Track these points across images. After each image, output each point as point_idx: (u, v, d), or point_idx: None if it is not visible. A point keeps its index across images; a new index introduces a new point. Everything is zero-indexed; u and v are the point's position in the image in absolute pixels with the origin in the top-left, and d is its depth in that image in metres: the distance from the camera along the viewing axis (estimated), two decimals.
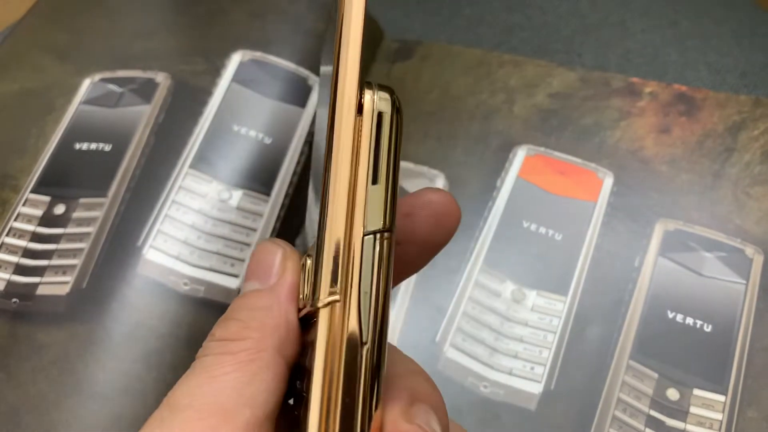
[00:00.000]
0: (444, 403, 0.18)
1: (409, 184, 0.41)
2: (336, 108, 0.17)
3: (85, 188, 0.39)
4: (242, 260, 0.38)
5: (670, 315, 0.36)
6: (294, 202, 0.40)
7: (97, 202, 0.39)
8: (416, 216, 0.19)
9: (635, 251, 0.38)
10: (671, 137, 0.42)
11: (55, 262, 0.37)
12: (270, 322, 0.18)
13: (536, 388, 0.35)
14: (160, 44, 0.44)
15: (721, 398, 0.34)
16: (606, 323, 0.36)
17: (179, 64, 0.43)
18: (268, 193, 0.40)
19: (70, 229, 0.38)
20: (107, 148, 0.40)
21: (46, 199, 0.39)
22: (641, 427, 0.34)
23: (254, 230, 0.39)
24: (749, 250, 0.38)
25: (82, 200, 0.39)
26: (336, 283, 0.16)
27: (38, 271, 0.37)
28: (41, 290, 0.36)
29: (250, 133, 0.41)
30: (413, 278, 0.38)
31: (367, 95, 0.17)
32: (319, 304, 0.16)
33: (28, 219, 0.38)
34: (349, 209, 0.17)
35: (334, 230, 0.16)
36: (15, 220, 0.38)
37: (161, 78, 0.42)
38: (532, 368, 0.36)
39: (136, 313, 0.36)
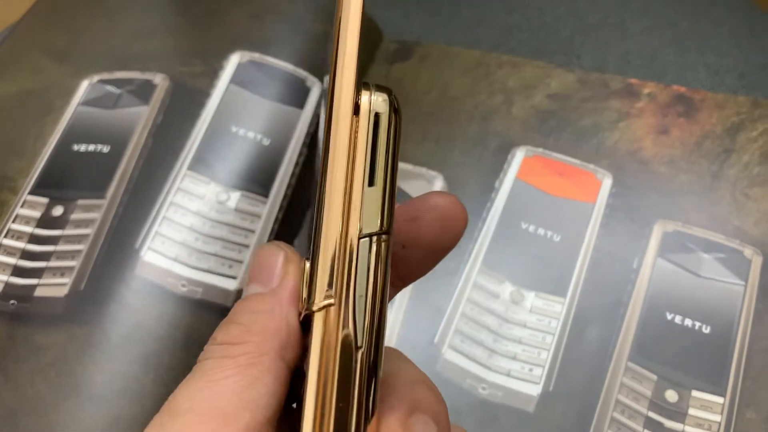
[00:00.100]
0: (447, 413, 0.18)
1: (408, 185, 0.41)
2: (332, 108, 0.16)
3: (83, 190, 0.39)
4: (240, 262, 0.38)
5: (669, 316, 0.36)
6: (292, 204, 0.40)
7: (96, 204, 0.39)
8: (422, 220, 0.19)
9: (634, 252, 0.38)
10: (670, 138, 0.42)
11: (53, 263, 0.37)
12: (271, 325, 0.18)
13: (535, 390, 0.35)
14: (158, 45, 0.44)
15: (720, 400, 0.34)
16: (605, 324, 0.36)
17: (177, 66, 0.43)
18: (266, 195, 0.40)
19: (69, 231, 0.38)
20: (105, 149, 0.40)
21: (45, 200, 0.39)
22: (640, 428, 0.34)
23: (252, 232, 0.39)
24: (748, 252, 0.38)
25: (81, 202, 0.39)
26: (331, 286, 0.16)
27: (36, 273, 0.37)
28: (39, 292, 0.36)
29: (249, 135, 0.41)
30: None
31: (364, 96, 0.17)
32: (314, 308, 0.16)
33: (27, 220, 0.38)
34: (345, 211, 0.16)
35: (330, 232, 0.16)
36: (13, 221, 0.38)
37: (159, 79, 0.42)
38: (531, 370, 0.36)
39: (135, 314, 0.36)
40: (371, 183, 0.17)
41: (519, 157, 0.42)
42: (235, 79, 0.43)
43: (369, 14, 0.46)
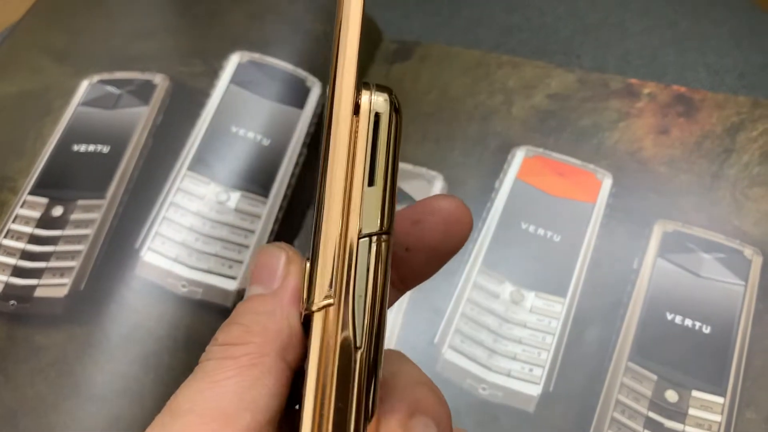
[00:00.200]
0: (449, 416, 0.18)
1: (408, 185, 0.41)
2: (332, 108, 0.16)
3: (83, 190, 0.39)
4: (240, 262, 0.38)
5: (669, 316, 0.36)
6: (292, 204, 0.40)
7: (95, 204, 0.39)
8: (425, 223, 0.19)
9: (634, 252, 0.38)
10: (670, 138, 0.42)
11: (53, 264, 0.37)
12: (273, 326, 0.18)
13: (535, 390, 0.35)
14: (158, 45, 0.44)
15: (720, 400, 0.34)
16: (605, 325, 0.36)
17: (177, 66, 0.43)
18: (266, 195, 0.40)
19: (68, 231, 0.38)
20: (105, 149, 0.40)
21: (44, 200, 0.39)
22: (640, 428, 0.34)
23: (252, 232, 0.39)
24: (748, 252, 0.38)
25: (80, 202, 0.39)
26: (331, 286, 0.16)
27: (36, 273, 0.37)
28: (39, 292, 0.36)
29: (249, 135, 0.41)
30: None
31: (364, 95, 0.17)
32: (314, 308, 0.16)
33: (26, 221, 0.38)
34: (345, 211, 0.16)
35: (329, 232, 0.16)
36: (13, 221, 0.38)
37: (159, 79, 0.42)
38: (531, 370, 0.36)
39: (134, 315, 0.36)
40: (371, 183, 0.17)
41: (519, 157, 0.42)
42: (235, 79, 0.42)
43: (369, 14, 0.46)
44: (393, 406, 0.17)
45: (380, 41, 0.48)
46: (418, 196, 0.41)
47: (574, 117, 0.43)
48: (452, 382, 0.36)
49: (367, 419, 0.16)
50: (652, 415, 0.34)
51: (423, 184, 0.41)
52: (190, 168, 0.40)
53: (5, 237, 0.38)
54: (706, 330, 0.36)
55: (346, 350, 0.16)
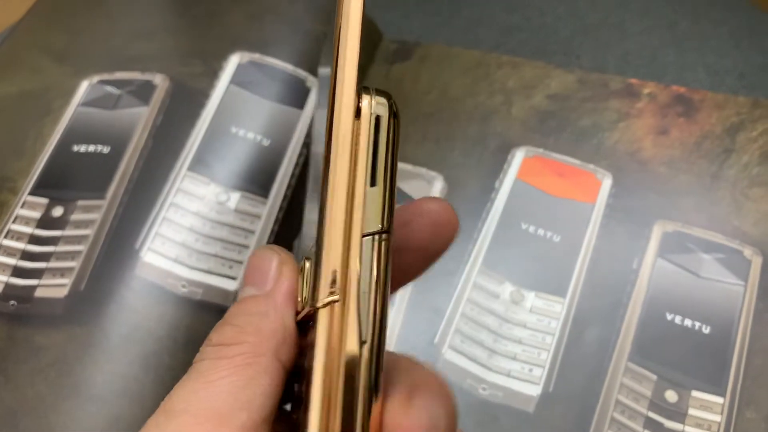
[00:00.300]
0: (447, 386, 0.18)
1: (408, 185, 0.41)
2: (334, 112, 0.17)
3: (83, 190, 0.39)
4: (240, 262, 0.38)
5: (669, 317, 0.36)
6: (292, 204, 0.40)
7: (95, 205, 0.39)
8: (414, 224, 0.19)
9: (634, 253, 0.38)
10: (669, 138, 0.42)
11: (53, 264, 0.37)
12: (266, 326, 0.18)
13: (535, 390, 0.35)
14: (158, 46, 0.44)
15: (720, 400, 0.34)
16: (604, 325, 0.36)
17: (177, 66, 0.43)
18: (266, 195, 0.40)
19: (68, 232, 0.38)
20: (105, 150, 0.40)
21: (44, 201, 0.39)
22: (639, 429, 0.34)
23: (252, 232, 0.39)
24: (748, 252, 0.38)
25: (80, 202, 0.39)
26: (335, 283, 0.16)
27: (36, 274, 0.37)
28: (39, 293, 0.36)
29: (248, 135, 0.41)
30: None
31: (365, 100, 0.17)
32: (319, 305, 0.17)
33: (26, 221, 0.38)
34: (348, 211, 0.17)
35: (333, 232, 0.17)
36: (13, 222, 0.38)
37: (159, 80, 0.42)
38: (531, 370, 0.36)
39: (134, 315, 0.36)
40: (373, 183, 0.17)
41: (519, 157, 0.42)
42: (234, 80, 0.43)
43: (369, 15, 0.46)
44: (393, 390, 0.17)
45: (380, 41, 0.48)
46: (417, 196, 0.41)
47: (574, 117, 0.43)
48: (452, 383, 0.36)
49: (372, 405, 0.16)
50: (651, 415, 0.34)
51: (423, 184, 0.41)
52: (190, 168, 0.40)
53: (5, 237, 0.38)
54: (706, 330, 0.36)
55: (352, 344, 0.16)
